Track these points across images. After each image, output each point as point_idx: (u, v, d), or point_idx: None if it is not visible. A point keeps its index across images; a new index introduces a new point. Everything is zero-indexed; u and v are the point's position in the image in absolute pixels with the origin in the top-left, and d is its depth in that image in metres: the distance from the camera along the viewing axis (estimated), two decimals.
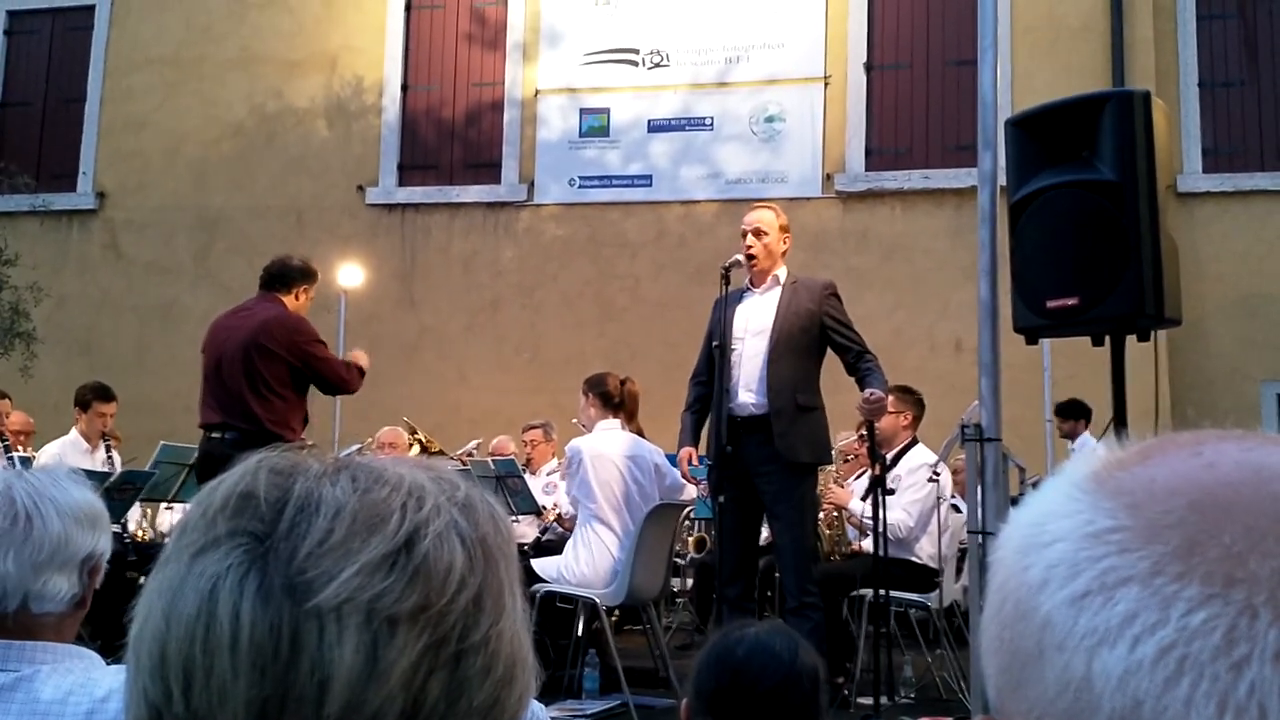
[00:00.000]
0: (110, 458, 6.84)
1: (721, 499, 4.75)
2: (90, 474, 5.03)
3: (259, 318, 5.32)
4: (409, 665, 0.61)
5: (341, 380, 5.48)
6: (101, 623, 5.70)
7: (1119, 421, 3.58)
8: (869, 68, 10.78)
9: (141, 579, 5.82)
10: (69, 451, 6.71)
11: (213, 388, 5.34)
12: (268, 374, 5.20)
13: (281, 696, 0.59)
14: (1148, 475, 0.48)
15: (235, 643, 0.60)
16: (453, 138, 11.53)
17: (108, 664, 1.58)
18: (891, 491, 5.21)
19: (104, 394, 6.94)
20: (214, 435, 5.29)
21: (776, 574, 5.29)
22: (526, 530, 6.89)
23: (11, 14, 12.46)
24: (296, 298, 5.51)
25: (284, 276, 5.51)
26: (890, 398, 5.12)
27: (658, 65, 11.00)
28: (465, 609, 0.63)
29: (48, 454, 6.70)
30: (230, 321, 5.43)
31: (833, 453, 5.60)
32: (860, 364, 4.84)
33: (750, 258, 4.93)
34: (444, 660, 0.62)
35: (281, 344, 5.23)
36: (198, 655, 0.60)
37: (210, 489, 0.66)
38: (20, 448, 6.81)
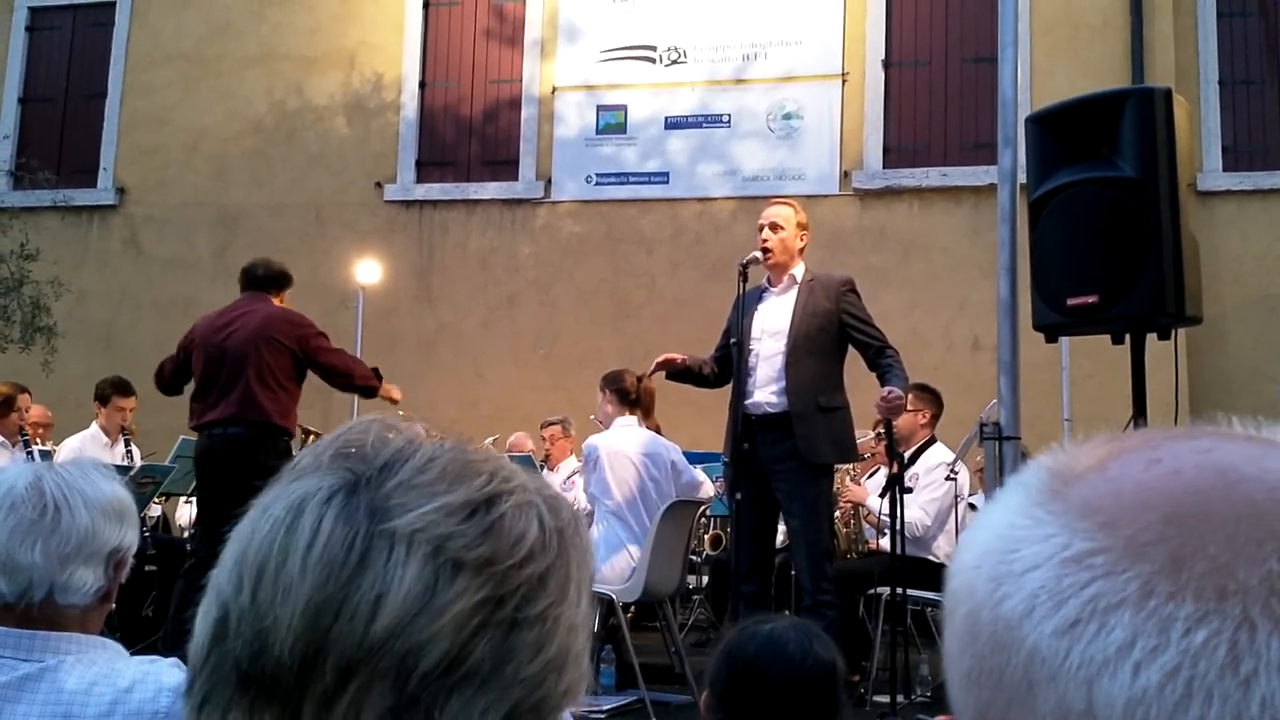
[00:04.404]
0: (129, 452, 6.88)
1: (738, 496, 4.74)
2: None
3: (262, 313, 5.44)
4: (463, 611, 0.63)
5: (349, 369, 5.54)
6: (122, 615, 5.74)
7: (1139, 421, 3.56)
8: (887, 65, 10.74)
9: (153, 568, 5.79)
10: (89, 445, 6.74)
11: (212, 386, 5.38)
12: (275, 367, 5.33)
13: (339, 602, 0.63)
14: (1111, 488, 0.46)
15: (310, 547, 0.64)
16: (470, 134, 11.54)
17: (130, 655, 1.59)
18: (909, 490, 5.20)
19: (123, 389, 6.98)
20: (216, 431, 5.34)
21: (793, 571, 5.29)
22: None
23: (34, 10, 12.53)
24: (281, 300, 5.71)
25: (278, 279, 5.72)
26: (909, 396, 5.11)
27: (675, 62, 10.99)
28: (529, 580, 0.66)
29: (68, 448, 6.73)
30: (223, 321, 5.50)
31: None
32: (881, 360, 4.79)
33: (766, 252, 4.91)
34: (498, 621, 0.65)
35: (290, 337, 5.38)
36: (274, 554, 0.65)
37: (325, 439, 0.72)
38: (39, 441, 6.85)
